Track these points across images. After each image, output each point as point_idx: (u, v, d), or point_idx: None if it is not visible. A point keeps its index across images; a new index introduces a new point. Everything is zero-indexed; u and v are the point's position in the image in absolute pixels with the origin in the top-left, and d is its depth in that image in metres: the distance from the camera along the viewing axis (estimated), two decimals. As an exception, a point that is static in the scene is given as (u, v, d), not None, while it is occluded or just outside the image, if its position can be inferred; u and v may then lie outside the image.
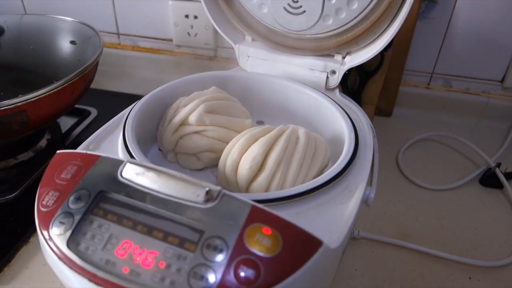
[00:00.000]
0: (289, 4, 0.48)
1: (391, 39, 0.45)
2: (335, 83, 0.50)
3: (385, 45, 0.45)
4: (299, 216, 0.33)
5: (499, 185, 0.60)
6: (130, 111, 0.43)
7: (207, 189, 0.29)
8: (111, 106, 0.74)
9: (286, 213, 0.33)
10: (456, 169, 0.64)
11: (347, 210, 0.34)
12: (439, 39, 0.69)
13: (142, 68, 0.83)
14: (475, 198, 0.59)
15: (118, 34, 0.83)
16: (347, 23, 0.47)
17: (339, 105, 0.46)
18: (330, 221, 0.33)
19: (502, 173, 0.60)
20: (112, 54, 0.83)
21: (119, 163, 0.31)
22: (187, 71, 0.82)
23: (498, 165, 0.61)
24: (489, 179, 0.61)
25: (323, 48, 0.50)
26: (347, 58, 0.50)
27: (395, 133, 0.71)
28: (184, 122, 0.43)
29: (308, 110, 0.49)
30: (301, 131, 0.40)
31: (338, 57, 0.50)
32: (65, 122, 0.68)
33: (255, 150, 0.38)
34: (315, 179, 0.35)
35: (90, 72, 0.55)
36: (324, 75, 0.50)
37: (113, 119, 0.43)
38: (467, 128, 0.72)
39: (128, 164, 0.30)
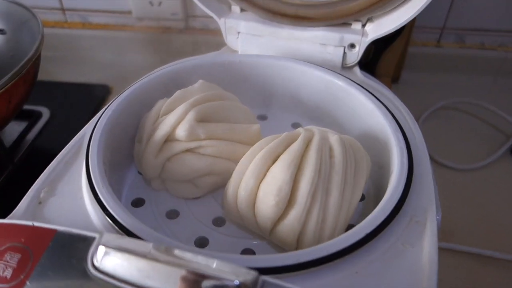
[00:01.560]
0: (290, -41, 0.36)
1: (433, -3, 0.34)
2: (355, 59, 0.39)
3: (424, 6, 0.34)
4: (361, 277, 0.23)
5: (534, 156, 0.53)
6: (93, 130, 0.31)
7: (236, 282, 0.18)
8: (65, 102, 0.61)
9: (343, 276, 0.23)
10: (483, 141, 0.56)
11: (423, 253, 0.24)
12: (451, -13, 0.59)
13: (97, 50, 0.69)
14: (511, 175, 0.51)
15: (62, 9, 0.67)
16: (371, -21, 0.35)
17: (367, 90, 0.35)
18: (405, 276, 0.23)
19: (538, 142, 0.52)
20: (58, 35, 0.68)
21: (87, 241, 0.20)
22: (153, 49, 0.68)
23: (533, 133, 0.52)
24: (523, 151, 0.53)
25: (338, 15, 0.38)
26: (369, 26, 0.38)
27: (407, 104, 0.61)
28: (170, 138, 0.32)
29: (323, 98, 0.38)
30: (334, 139, 0.29)
31: (357, 26, 0.39)
32: (11, 131, 0.54)
33: (279, 176, 0.27)
34: (369, 218, 0.25)
35: (30, 69, 0.42)
36: (340, 51, 0.39)
37: (70, 144, 0.31)
38: (484, 90, 0.63)
39: (101, 248, 0.19)
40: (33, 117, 0.56)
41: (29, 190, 0.28)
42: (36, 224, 0.21)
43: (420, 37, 0.64)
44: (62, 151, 0.30)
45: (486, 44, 0.64)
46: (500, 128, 0.57)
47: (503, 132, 0.57)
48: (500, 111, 0.57)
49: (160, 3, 0.63)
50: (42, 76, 0.50)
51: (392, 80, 0.63)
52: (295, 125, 0.40)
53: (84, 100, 0.61)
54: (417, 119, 0.58)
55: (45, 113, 0.57)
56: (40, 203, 0.27)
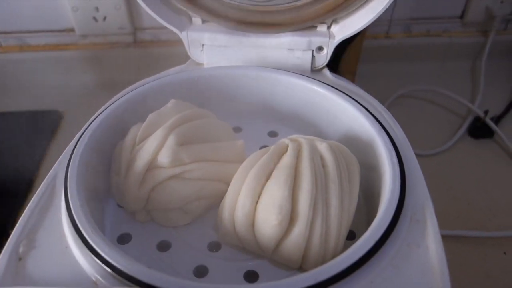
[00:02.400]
0: (249, -33, 0.35)
1: (395, -4, 0.34)
2: (324, 62, 0.39)
3: (387, 5, 0.35)
4: (376, 286, 0.23)
5: (489, 134, 0.56)
6: (67, 169, 0.28)
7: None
8: (14, 135, 0.56)
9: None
10: (441, 125, 0.58)
11: (430, 252, 0.25)
12: (395, -21, 0.61)
13: (40, 74, 0.64)
14: (472, 155, 0.54)
15: (-5, 33, 0.62)
16: (333, -18, 0.35)
17: (343, 92, 0.35)
18: (417, 277, 0.23)
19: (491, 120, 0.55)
20: (-7, 61, 0.62)
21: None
22: (102, 66, 0.65)
23: (486, 112, 0.56)
24: (479, 130, 0.56)
25: (303, 19, 0.38)
26: (334, 28, 0.39)
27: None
28: (151, 166, 0.30)
29: (298, 104, 0.38)
30: (323, 147, 0.29)
31: (323, 28, 0.39)
32: (-45, 173, 0.49)
33: (277, 193, 0.26)
34: (374, 226, 0.25)
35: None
36: (309, 54, 0.39)
37: (41, 188, 0.28)
38: (434, 75, 0.67)
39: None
40: (-21, 155, 0.51)
41: (5, 246, 0.25)
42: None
43: (371, 30, 0.66)
44: (34, 196, 0.27)
45: (431, 31, 0.66)
46: (455, 111, 0.60)
47: (458, 114, 0.59)
48: (453, 94, 0.60)
49: (105, 18, 0.60)
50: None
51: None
52: (272, 134, 0.40)
53: (34, 130, 0.56)
54: (378, 110, 0.59)
55: (-7, 149, 0.53)
56: (20, 259, 0.24)
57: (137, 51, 0.64)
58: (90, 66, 0.65)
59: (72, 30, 0.61)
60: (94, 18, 0.60)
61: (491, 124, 0.55)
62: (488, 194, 0.49)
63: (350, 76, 0.52)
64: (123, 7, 0.59)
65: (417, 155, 0.52)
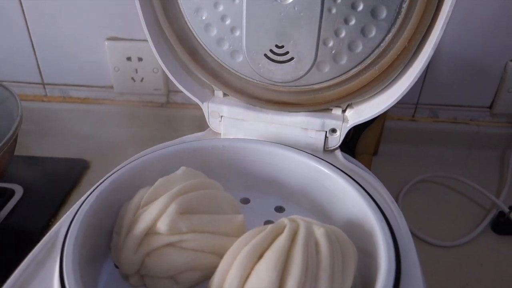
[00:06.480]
0: (271, 50, 0.37)
1: (410, 86, 0.35)
2: (336, 143, 0.40)
3: (402, 95, 0.36)
4: None
5: (512, 230, 0.53)
6: (69, 227, 0.29)
7: None
8: (41, 178, 0.59)
9: None
10: (463, 215, 0.56)
11: None
12: (423, 67, 0.62)
13: (76, 123, 0.68)
14: (494, 252, 0.51)
15: (43, 84, 0.67)
16: (349, 70, 0.37)
17: (350, 176, 0.35)
18: None
19: (516, 217, 0.53)
20: (37, 109, 0.67)
21: None
22: (134, 122, 0.68)
23: (511, 208, 0.53)
24: (503, 226, 0.53)
25: (318, 101, 0.39)
26: (349, 112, 0.40)
27: (387, 176, 0.62)
28: (150, 231, 0.30)
29: (306, 183, 0.38)
30: (320, 233, 0.29)
31: (337, 111, 0.40)
32: (-21, 210, 0.52)
33: (265, 276, 0.26)
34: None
35: (6, 153, 0.41)
36: (322, 135, 0.40)
37: (43, 241, 0.29)
38: (459, 162, 0.65)
39: None
40: (5, 195, 0.54)
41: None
42: None
43: (396, 112, 0.66)
44: (34, 249, 0.29)
45: (459, 118, 0.66)
46: (479, 202, 0.58)
47: (482, 206, 0.57)
48: (477, 186, 0.58)
49: (142, 79, 0.64)
50: (18, 150, 0.48)
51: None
52: (278, 209, 0.40)
53: (60, 176, 0.59)
54: (397, 192, 0.59)
55: (18, 190, 0.55)
56: (7, 311, 0.25)
57: (167, 111, 0.67)
58: (122, 121, 0.68)
59: (111, 87, 0.66)
60: (133, 79, 0.64)
61: (517, 222, 0.52)
62: (509, 298, 0.46)
63: (367, 157, 0.52)
64: (160, 71, 0.63)
65: (435, 246, 0.51)
